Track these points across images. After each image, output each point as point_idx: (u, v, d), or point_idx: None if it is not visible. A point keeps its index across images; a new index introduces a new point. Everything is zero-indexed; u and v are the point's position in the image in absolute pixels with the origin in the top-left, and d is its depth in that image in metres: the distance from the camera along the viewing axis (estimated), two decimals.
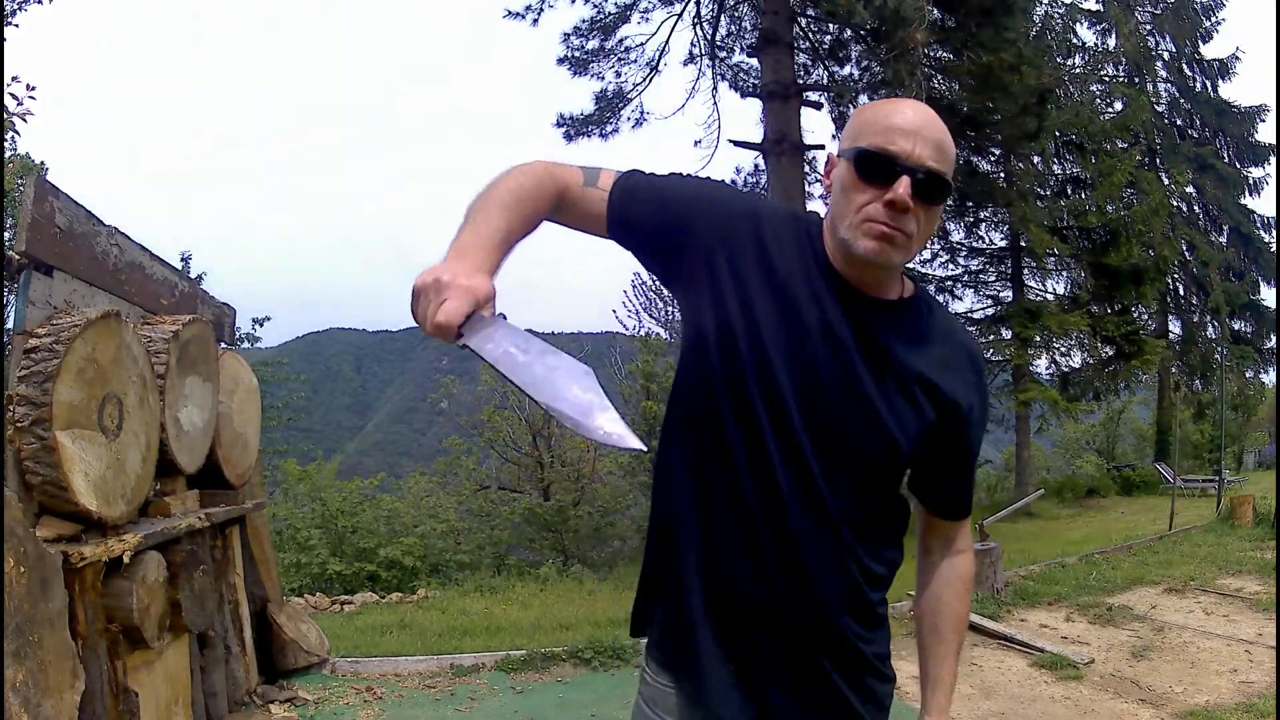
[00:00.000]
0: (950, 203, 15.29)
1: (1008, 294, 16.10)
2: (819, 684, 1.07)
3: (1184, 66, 20.68)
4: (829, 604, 1.05)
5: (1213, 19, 20.30)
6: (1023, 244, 15.09)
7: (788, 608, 1.04)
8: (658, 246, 1.10)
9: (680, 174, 1.14)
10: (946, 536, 1.20)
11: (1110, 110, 16.14)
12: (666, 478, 1.13)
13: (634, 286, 18.30)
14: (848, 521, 1.04)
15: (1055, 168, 15.92)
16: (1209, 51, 20.75)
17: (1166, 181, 17.92)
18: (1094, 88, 15.33)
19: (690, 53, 12.47)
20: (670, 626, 1.11)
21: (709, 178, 1.15)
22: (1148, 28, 19.82)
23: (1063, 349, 15.96)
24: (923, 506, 1.21)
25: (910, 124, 0.96)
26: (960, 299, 16.32)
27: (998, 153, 14.22)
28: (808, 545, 1.02)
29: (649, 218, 1.08)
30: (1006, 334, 15.37)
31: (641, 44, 11.98)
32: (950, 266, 16.51)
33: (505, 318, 0.87)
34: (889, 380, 1.03)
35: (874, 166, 0.96)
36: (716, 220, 1.06)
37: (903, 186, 0.94)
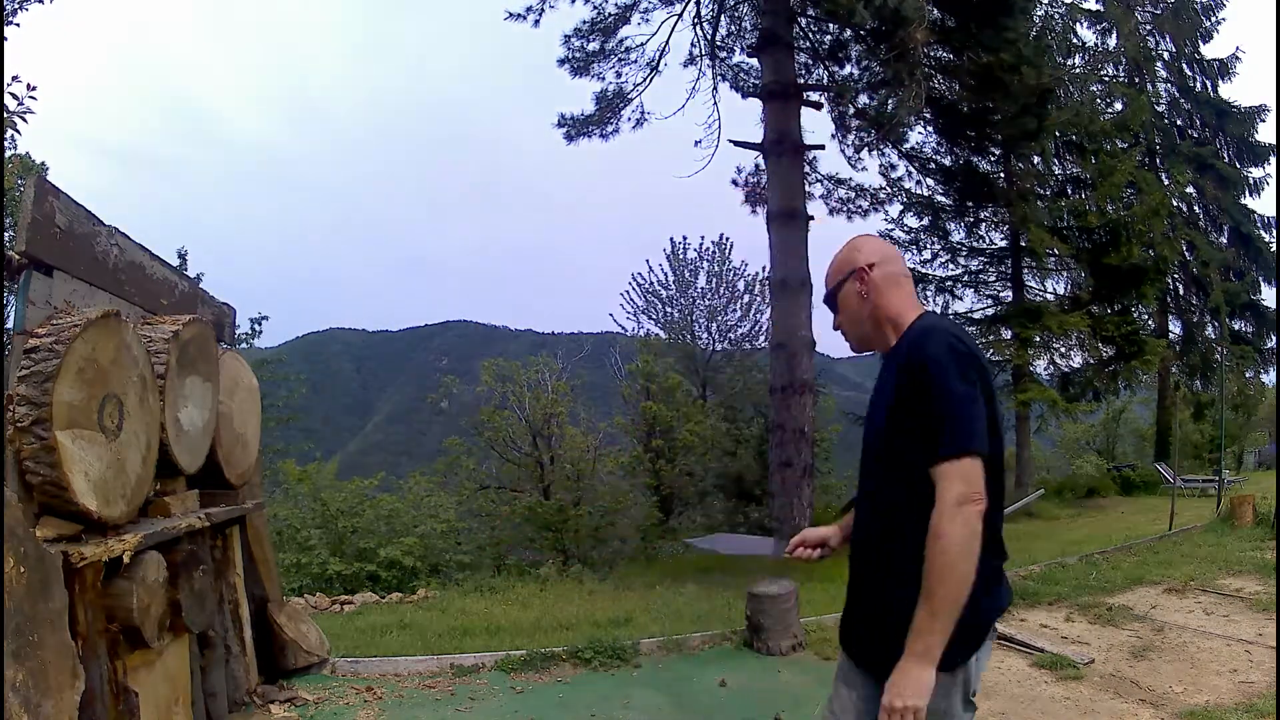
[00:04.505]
0: (950, 202, 15.38)
1: (1008, 294, 16.07)
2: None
3: (1184, 66, 20.65)
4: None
5: (1213, 19, 20.26)
6: (1023, 244, 15.07)
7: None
8: None
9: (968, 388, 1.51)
10: None
11: (1110, 110, 16.10)
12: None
13: (633, 288, 18.31)
14: (884, 507, 1.58)
15: (1055, 168, 15.87)
16: (1209, 51, 20.72)
17: (1166, 181, 17.91)
18: (1094, 88, 15.28)
19: (690, 53, 12.46)
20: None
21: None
22: (1148, 28, 19.80)
23: (1063, 349, 15.93)
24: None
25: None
26: (960, 299, 16.32)
27: (998, 153, 14.21)
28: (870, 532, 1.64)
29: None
30: (1006, 334, 15.35)
31: (642, 44, 11.97)
32: (950, 266, 16.51)
33: None
34: (880, 398, 1.62)
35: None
36: None
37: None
